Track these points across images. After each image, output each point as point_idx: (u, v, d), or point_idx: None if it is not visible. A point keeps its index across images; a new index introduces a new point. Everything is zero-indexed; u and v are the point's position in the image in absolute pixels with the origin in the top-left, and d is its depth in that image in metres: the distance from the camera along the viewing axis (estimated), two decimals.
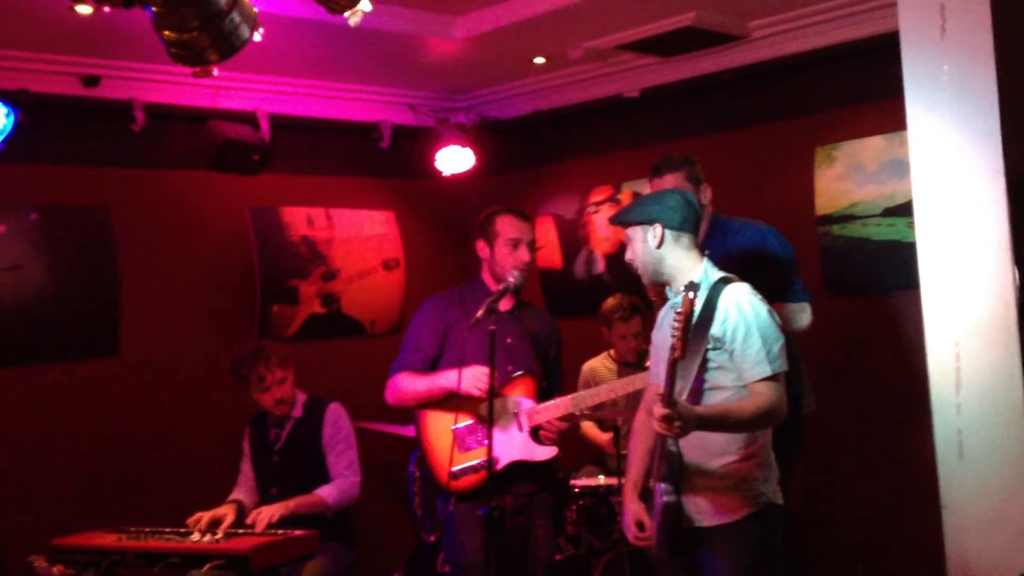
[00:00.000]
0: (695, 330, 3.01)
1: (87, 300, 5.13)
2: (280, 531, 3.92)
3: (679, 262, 3.19)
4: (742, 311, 3.07)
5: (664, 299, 3.34)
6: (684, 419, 2.87)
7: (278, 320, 5.75)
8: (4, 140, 4.57)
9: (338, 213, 6.04)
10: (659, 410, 2.86)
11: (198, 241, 5.57)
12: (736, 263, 3.67)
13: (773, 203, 5.14)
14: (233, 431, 4.73)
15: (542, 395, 3.99)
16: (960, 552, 2.91)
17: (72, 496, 4.93)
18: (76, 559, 3.74)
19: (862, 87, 4.91)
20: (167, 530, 3.90)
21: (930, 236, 2.98)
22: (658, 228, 3.17)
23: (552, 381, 4.16)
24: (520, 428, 3.93)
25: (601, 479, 4.86)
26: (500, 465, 3.83)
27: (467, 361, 3.79)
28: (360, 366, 5.67)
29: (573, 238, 6.15)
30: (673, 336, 2.88)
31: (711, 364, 3.11)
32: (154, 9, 2.88)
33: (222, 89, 5.37)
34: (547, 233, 6.20)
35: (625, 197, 5.89)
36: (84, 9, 3.99)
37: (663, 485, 3.11)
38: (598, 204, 6.05)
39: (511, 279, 3.84)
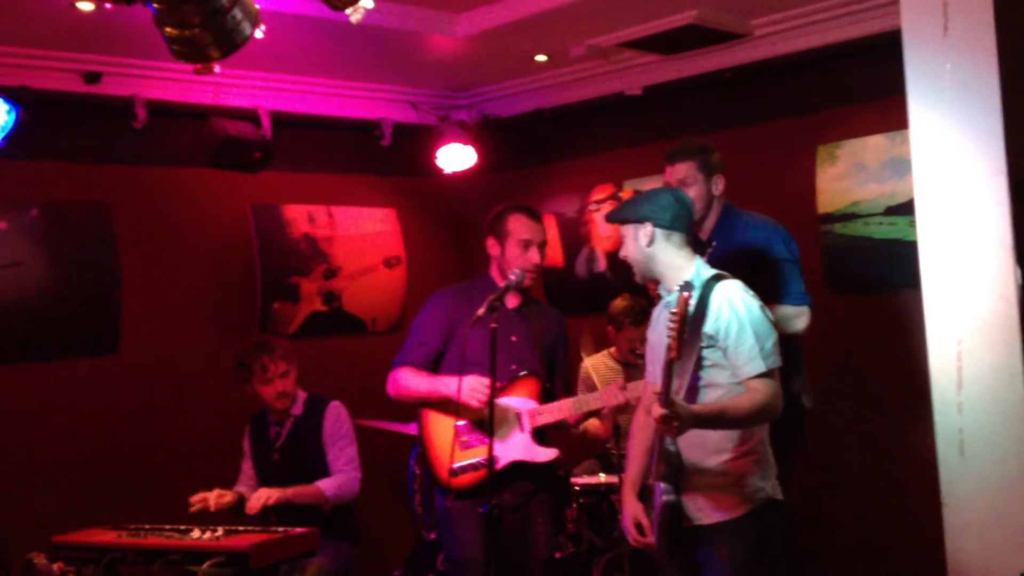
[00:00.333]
0: (689, 329, 3.03)
1: (88, 297, 5.13)
2: (280, 528, 3.92)
3: (670, 260, 3.22)
4: (734, 308, 3.08)
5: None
6: (681, 418, 2.89)
7: (279, 317, 5.75)
8: (5, 137, 4.57)
9: (339, 210, 6.04)
10: (657, 410, 2.88)
11: (199, 238, 5.57)
12: (738, 260, 3.68)
13: (774, 201, 5.11)
14: (233, 428, 4.73)
15: (546, 394, 3.98)
16: (961, 551, 2.91)
17: (72, 493, 4.93)
18: (76, 556, 3.73)
19: (864, 85, 4.91)
20: (167, 527, 3.90)
21: (932, 235, 2.97)
22: (648, 227, 3.20)
23: (558, 379, 4.16)
24: (522, 429, 3.93)
25: (602, 477, 4.86)
26: (500, 464, 3.83)
27: (468, 359, 3.79)
28: (361, 364, 5.67)
29: (574, 236, 6.15)
30: (669, 336, 2.90)
31: (706, 362, 3.13)
32: (156, 6, 2.88)
33: (223, 86, 5.37)
34: (548, 231, 6.14)
35: (626, 195, 5.89)
36: (85, 6, 4.00)
37: (662, 484, 3.12)
38: (599, 202, 6.04)
39: (512, 276, 3.84)
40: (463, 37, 5.01)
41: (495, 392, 3.64)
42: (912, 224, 3.66)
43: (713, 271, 3.23)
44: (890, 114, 4.55)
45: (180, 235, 5.49)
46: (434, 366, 4.07)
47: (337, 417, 4.51)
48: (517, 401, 3.95)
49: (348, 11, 3.09)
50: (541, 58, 5.48)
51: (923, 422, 3.06)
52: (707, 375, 3.14)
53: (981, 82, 2.84)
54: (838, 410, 4.83)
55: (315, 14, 4.20)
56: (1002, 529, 2.83)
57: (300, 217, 5.88)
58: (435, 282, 5.23)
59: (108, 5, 3.18)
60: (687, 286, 2.97)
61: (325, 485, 4.33)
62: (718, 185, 3.85)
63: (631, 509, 3.30)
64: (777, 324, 3.24)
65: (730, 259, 3.69)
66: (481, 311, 3.64)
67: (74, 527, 3.97)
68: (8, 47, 4.68)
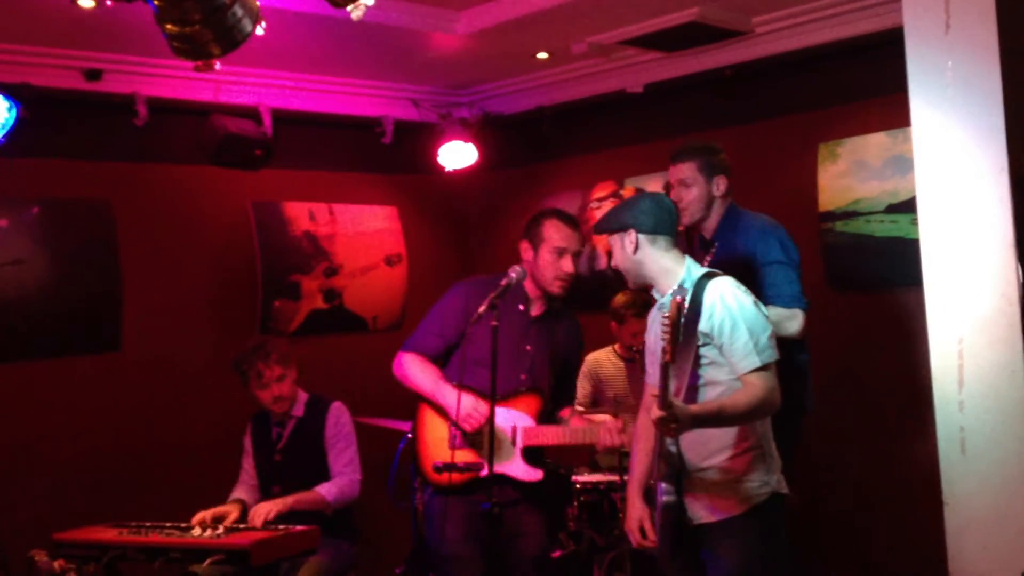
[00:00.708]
0: (685, 328, 3.05)
1: (89, 295, 5.13)
2: (281, 526, 3.92)
3: (658, 264, 3.24)
4: (727, 305, 3.09)
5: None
6: (680, 419, 2.89)
7: (280, 315, 5.75)
8: (6, 134, 4.57)
9: (340, 208, 6.03)
10: (655, 412, 2.88)
11: (200, 236, 5.57)
12: (739, 261, 3.68)
13: (776, 199, 5.11)
14: (235, 426, 4.73)
15: (546, 415, 3.96)
16: (962, 549, 2.91)
17: (74, 491, 4.93)
18: (77, 553, 3.73)
19: (866, 83, 4.90)
20: (168, 525, 3.90)
21: (933, 233, 2.97)
22: (632, 234, 3.23)
23: (565, 389, 4.15)
24: (513, 444, 3.91)
25: (602, 475, 4.85)
26: (484, 473, 3.81)
27: (474, 359, 3.80)
28: (362, 362, 5.67)
29: None
30: (663, 339, 2.90)
31: (703, 360, 3.14)
32: (156, 3, 2.88)
33: (224, 83, 5.36)
34: None
35: (628, 193, 5.88)
36: (86, 3, 3.98)
37: (664, 484, 3.13)
38: (601, 200, 6.04)
39: (513, 275, 3.80)
40: (464, 34, 5.00)
41: (496, 399, 3.62)
42: (914, 222, 3.66)
43: (704, 269, 3.25)
44: (892, 112, 4.55)
45: (181, 233, 5.49)
46: (444, 357, 4.08)
47: (338, 418, 4.49)
48: (515, 415, 3.94)
49: (349, 8, 3.09)
50: (542, 55, 5.47)
51: (924, 420, 3.05)
52: (706, 373, 3.15)
53: (983, 79, 2.84)
54: (839, 408, 4.83)
55: (316, 11, 4.20)
56: (1003, 528, 2.83)
57: (301, 215, 5.88)
58: (436, 280, 5.23)
59: (109, 2, 3.18)
60: (679, 290, 3.00)
61: (326, 490, 4.31)
62: (719, 186, 3.85)
63: (636, 512, 3.30)
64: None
65: (732, 259, 3.69)
66: (482, 309, 3.63)
67: (75, 525, 3.97)
68: (9, 44, 4.67)
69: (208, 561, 3.60)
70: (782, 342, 3.27)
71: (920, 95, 2.96)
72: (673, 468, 3.12)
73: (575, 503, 4.79)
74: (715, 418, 3.04)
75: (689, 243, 4.05)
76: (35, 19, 4.36)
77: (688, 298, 3.10)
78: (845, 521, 5.04)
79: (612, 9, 4.69)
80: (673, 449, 3.11)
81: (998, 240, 2.84)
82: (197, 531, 3.83)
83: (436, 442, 3.95)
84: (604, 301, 5.30)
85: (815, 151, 5.10)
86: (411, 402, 4.12)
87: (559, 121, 6.12)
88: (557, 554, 4.61)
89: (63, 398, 5.03)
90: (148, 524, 3.93)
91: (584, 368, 5.14)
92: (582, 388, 5.15)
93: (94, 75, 4.96)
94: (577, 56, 5.38)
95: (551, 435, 3.90)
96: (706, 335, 3.11)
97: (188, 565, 3.72)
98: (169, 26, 2.94)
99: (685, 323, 3.06)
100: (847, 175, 5.00)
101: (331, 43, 5.05)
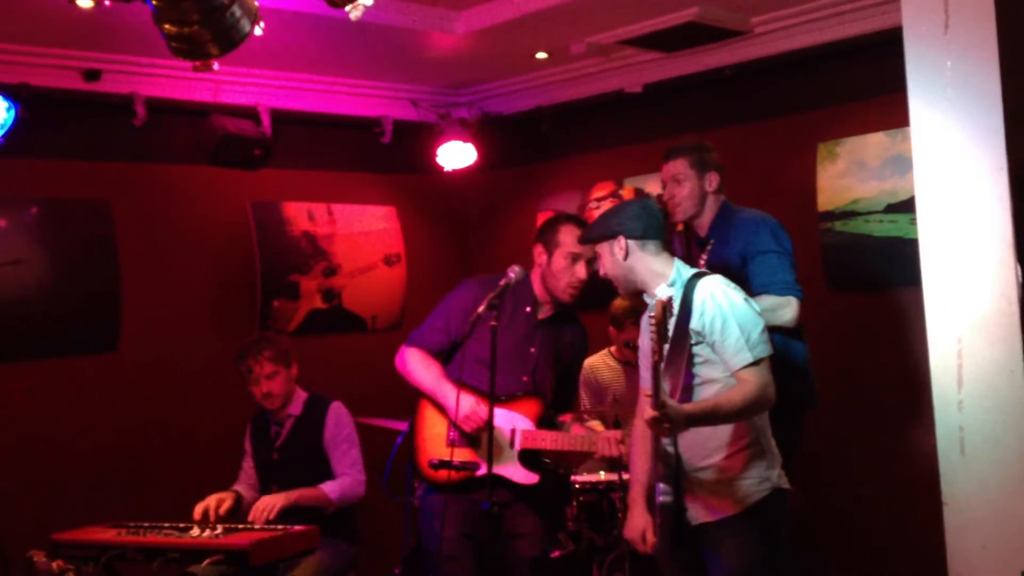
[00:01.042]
0: (678, 328, 3.07)
1: (87, 295, 5.13)
2: (280, 526, 3.91)
3: (649, 268, 3.25)
4: (717, 302, 3.10)
5: None
6: (672, 419, 2.88)
7: (279, 315, 5.75)
8: (5, 134, 4.57)
9: (339, 208, 6.03)
10: (647, 412, 2.88)
11: (199, 236, 5.57)
12: (734, 256, 3.69)
13: (775, 199, 5.11)
14: (234, 426, 4.73)
15: (546, 420, 3.96)
16: (961, 550, 2.90)
17: (72, 491, 4.93)
18: (76, 554, 3.73)
19: (865, 83, 4.90)
20: (166, 525, 3.90)
21: (932, 232, 2.97)
22: (621, 240, 3.25)
23: (566, 394, 4.15)
24: (512, 446, 3.91)
25: (602, 475, 4.85)
26: (480, 472, 3.81)
27: (476, 357, 3.80)
28: (361, 361, 5.67)
29: None
30: (651, 340, 2.90)
31: (697, 359, 3.14)
32: (154, 3, 2.88)
33: (223, 83, 5.36)
34: None
35: (627, 193, 5.88)
36: (85, 3, 3.98)
37: (662, 485, 3.12)
38: (600, 200, 6.03)
39: (512, 275, 3.79)
40: (463, 34, 5.00)
41: (496, 399, 3.63)
42: (913, 222, 3.66)
43: (694, 269, 3.26)
44: (891, 111, 4.55)
45: (180, 233, 5.49)
46: (447, 353, 4.08)
47: (339, 419, 4.48)
48: (515, 417, 3.93)
49: (348, 8, 3.09)
50: (541, 55, 5.47)
51: (923, 420, 3.05)
52: (701, 371, 3.15)
53: (982, 79, 2.84)
54: (838, 408, 4.82)
55: (315, 11, 4.20)
56: (1003, 528, 2.83)
57: (300, 215, 5.88)
58: (435, 280, 5.23)
59: (107, 2, 3.18)
60: (665, 289, 3.01)
61: (329, 488, 4.31)
62: (711, 182, 3.86)
63: (639, 522, 3.28)
64: (763, 315, 3.23)
65: (727, 255, 3.69)
66: (481, 309, 3.63)
67: (74, 525, 3.97)
68: (7, 44, 4.67)
69: (207, 561, 3.60)
70: (781, 342, 3.27)
71: (919, 95, 2.96)
72: (671, 469, 3.12)
73: (574, 503, 4.79)
74: (710, 416, 3.04)
75: (688, 243, 4.06)
76: (34, 19, 4.36)
77: (678, 298, 3.11)
78: (845, 521, 5.03)
79: (611, 9, 4.69)
80: (671, 450, 3.11)
81: (997, 240, 2.83)
82: (196, 531, 3.83)
83: (434, 438, 3.95)
84: (603, 302, 5.27)
85: (814, 151, 5.10)
86: (410, 402, 4.13)
87: (558, 121, 6.12)
88: (556, 554, 4.61)
89: (62, 398, 5.03)
90: (147, 524, 3.93)
91: (582, 376, 5.13)
92: (583, 394, 5.16)
93: (93, 75, 4.96)
94: (576, 56, 5.38)
95: (550, 440, 3.89)
96: (698, 333, 3.11)
97: (187, 565, 3.72)
98: (167, 26, 2.94)
99: (677, 323, 3.07)
100: (846, 175, 5.00)
101: (330, 43, 5.05)
